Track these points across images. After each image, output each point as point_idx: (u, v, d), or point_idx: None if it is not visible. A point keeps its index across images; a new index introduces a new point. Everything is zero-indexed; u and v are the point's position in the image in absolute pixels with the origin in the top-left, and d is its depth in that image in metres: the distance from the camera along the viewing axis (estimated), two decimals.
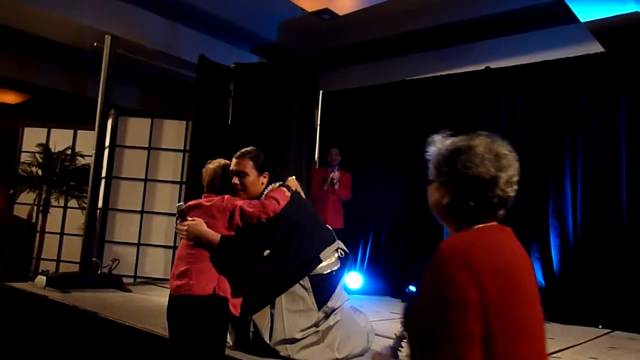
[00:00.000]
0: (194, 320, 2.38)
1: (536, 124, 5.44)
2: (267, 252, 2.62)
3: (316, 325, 2.75)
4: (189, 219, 2.50)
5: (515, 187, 1.31)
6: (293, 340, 2.69)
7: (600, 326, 4.67)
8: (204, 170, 2.74)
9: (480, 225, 1.31)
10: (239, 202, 2.57)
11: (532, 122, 5.47)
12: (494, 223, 1.32)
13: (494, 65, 5.89)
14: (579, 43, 5.48)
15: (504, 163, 1.29)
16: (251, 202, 2.60)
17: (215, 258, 2.47)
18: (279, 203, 2.62)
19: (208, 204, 2.57)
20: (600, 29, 5.12)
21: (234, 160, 2.69)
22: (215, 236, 2.47)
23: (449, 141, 1.36)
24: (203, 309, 2.38)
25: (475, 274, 1.14)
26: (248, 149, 2.73)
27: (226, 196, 2.60)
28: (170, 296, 2.47)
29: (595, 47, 5.31)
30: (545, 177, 5.28)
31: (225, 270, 2.47)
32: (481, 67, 5.95)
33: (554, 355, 3.42)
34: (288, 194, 2.71)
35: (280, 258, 2.63)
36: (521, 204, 5.23)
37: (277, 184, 2.76)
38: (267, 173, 2.72)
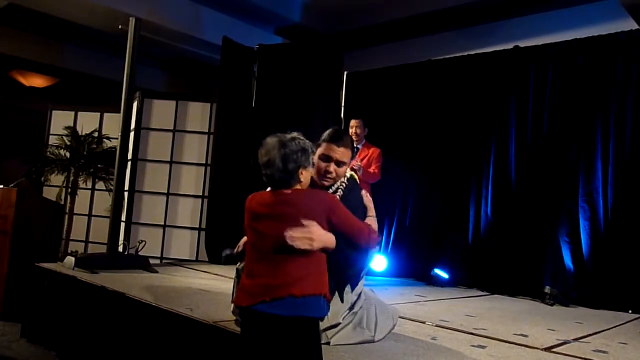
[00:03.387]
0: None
1: (567, 104, 5.30)
2: None
3: (351, 308, 2.73)
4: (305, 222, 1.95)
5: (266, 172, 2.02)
6: (336, 326, 2.64)
7: (630, 311, 4.58)
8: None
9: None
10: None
11: (563, 102, 5.33)
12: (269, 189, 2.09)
13: (523, 44, 5.75)
14: (613, 20, 5.31)
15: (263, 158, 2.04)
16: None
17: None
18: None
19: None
20: (635, 6, 4.93)
21: (334, 147, 2.44)
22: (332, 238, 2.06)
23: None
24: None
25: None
26: (346, 133, 2.54)
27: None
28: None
29: (630, 25, 5.13)
30: (576, 159, 5.15)
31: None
32: (510, 46, 5.82)
33: (584, 340, 3.36)
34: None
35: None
36: (551, 187, 5.20)
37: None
38: None
